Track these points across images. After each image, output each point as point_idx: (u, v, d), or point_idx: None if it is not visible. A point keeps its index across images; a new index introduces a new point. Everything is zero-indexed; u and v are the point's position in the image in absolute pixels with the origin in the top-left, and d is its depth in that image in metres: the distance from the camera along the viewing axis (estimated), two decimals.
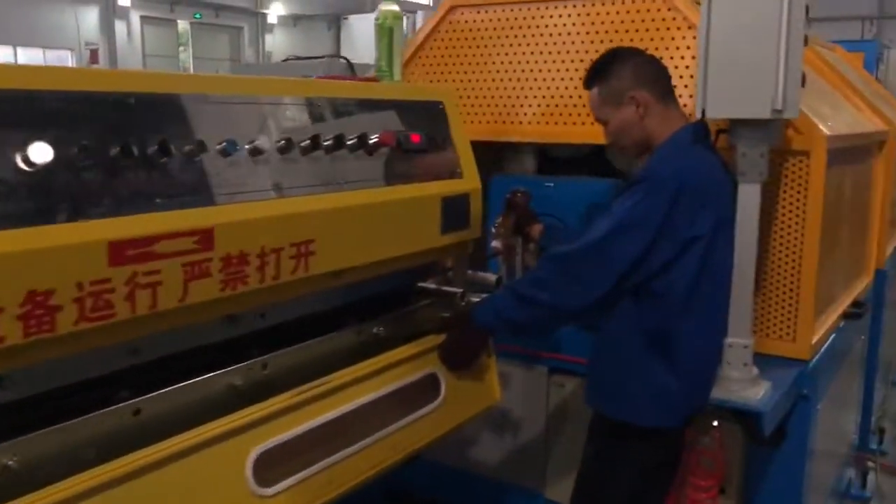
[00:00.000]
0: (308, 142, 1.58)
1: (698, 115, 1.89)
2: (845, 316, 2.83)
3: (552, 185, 2.80)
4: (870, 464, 3.81)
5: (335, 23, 25.16)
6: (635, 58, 2.06)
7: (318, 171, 1.61)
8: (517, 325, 2.01)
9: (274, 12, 26.38)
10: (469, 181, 2.04)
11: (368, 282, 1.88)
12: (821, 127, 2.29)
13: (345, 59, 3.31)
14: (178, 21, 23.71)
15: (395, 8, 1.94)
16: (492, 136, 2.84)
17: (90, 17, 22.64)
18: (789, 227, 2.37)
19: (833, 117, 2.67)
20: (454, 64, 2.90)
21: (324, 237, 1.58)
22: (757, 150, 1.98)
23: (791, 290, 2.39)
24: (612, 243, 1.91)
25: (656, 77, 2.04)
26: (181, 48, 23.75)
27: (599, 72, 2.08)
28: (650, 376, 2.00)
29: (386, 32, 1.95)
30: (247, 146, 1.46)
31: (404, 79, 3.00)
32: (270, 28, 26.51)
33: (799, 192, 2.34)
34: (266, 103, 1.57)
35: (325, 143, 1.62)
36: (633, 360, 2.02)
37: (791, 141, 2.32)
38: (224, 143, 1.42)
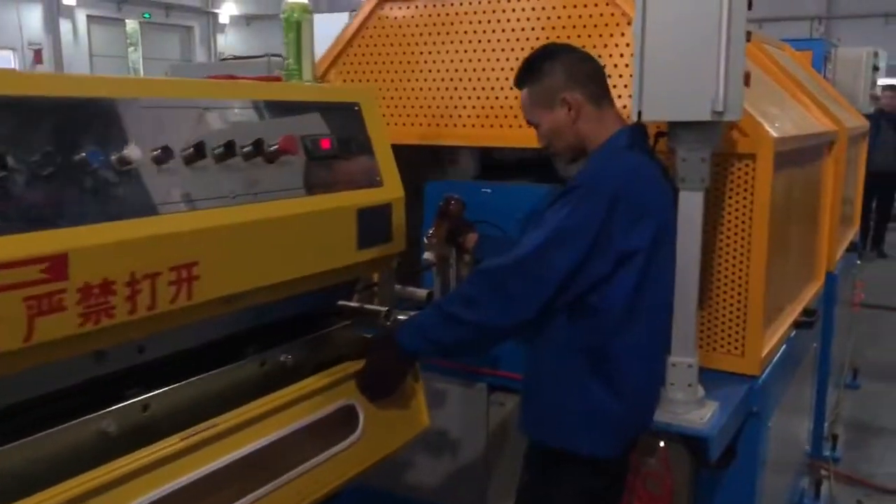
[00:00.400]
0: (192, 150, 1.38)
1: (634, 118, 1.74)
2: (796, 325, 2.72)
3: (490, 190, 2.64)
4: (823, 472, 3.72)
5: None
6: (568, 56, 1.90)
7: (205, 182, 1.41)
8: (445, 347, 1.84)
9: (226, 12, 25.94)
10: (390, 190, 1.86)
11: (277, 303, 1.69)
12: (767, 128, 2.16)
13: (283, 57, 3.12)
14: (127, 21, 23.14)
15: (304, 0, 1.75)
16: (427, 139, 2.67)
17: (33, 16, 22.06)
18: (735, 235, 2.24)
19: (781, 118, 2.55)
20: (385, 62, 2.72)
21: (210, 259, 1.38)
22: (697, 155, 1.83)
23: (738, 302, 2.25)
24: (544, 256, 1.75)
25: (590, 77, 1.88)
26: (130, 48, 23.15)
27: (529, 71, 1.92)
28: (587, 399, 1.85)
29: (293, 27, 1.76)
30: (114, 156, 1.27)
31: (333, 79, 2.82)
32: (222, 28, 26.05)
33: (745, 198, 2.21)
34: (145, 107, 1.37)
35: (215, 152, 1.43)
36: (568, 382, 1.86)
37: (736, 144, 2.19)
38: (86, 153, 1.22)
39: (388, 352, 1.82)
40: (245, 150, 1.49)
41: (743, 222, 2.22)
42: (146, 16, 23.04)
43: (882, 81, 8.84)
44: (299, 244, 1.61)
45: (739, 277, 2.24)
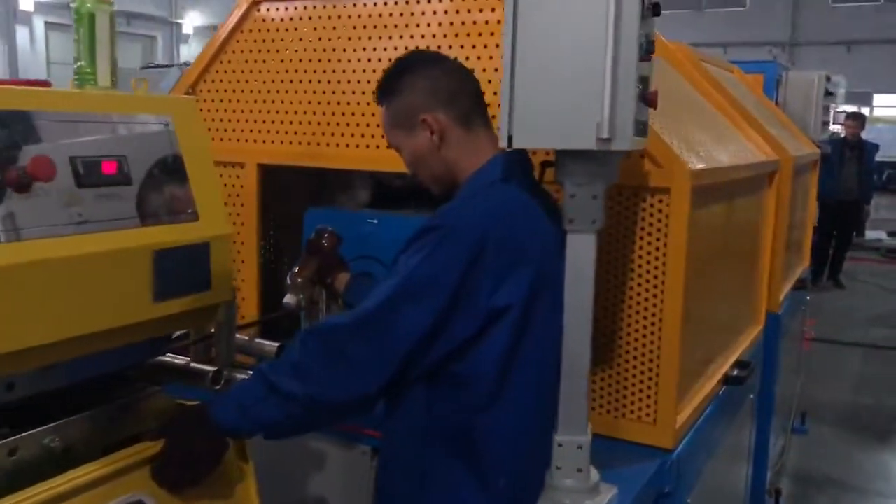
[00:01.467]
0: None
1: (503, 144, 1.41)
2: (726, 381, 2.39)
3: (376, 221, 2.30)
4: None
5: None
6: (431, 69, 1.57)
7: None
8: (270, 425, 1.47)
9: (190, 22, 25.52)
10: (210, 225, 1.50)
11: (58, 366, 1.33)
12: (683, 159, 1.83)
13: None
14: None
15: None
16: (309, 160, 2.31)
17: None
18: (647, 282, 1.90)
19: (710, 147, 2.24)
20: (263, 71, 2.36)
21: None
22: (588, 191, 1.50)
23: (650, 361, 1.92)
24: (390, 315, 1.40)
25: (458, 93, 1.55)
26: None
27: (385, 86, 1.59)
28: (450, 490, 1.50)
29: (84, 20, 1.40)
30: None
31: (204, 90, 2.45)
32: (186, 38, 25.60)
33: (658, 239, 1.88)
34: None
35: None
36: (428, 469, 1.51)
37: (647, 176, 1.86)
38: None
39: (196, 429, 1.45)
40: None
41: (656, 268, 1.89)
42: None
43: (843, 109, 8.70)
44: (63, 297, 1.24)
45: (651, 332, 1.91)
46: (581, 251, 1.53)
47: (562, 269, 1.53)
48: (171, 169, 1.46)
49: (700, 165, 1.91)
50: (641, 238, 1.90)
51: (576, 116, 1.34)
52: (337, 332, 1.43)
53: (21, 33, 22.14)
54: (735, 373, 2.47)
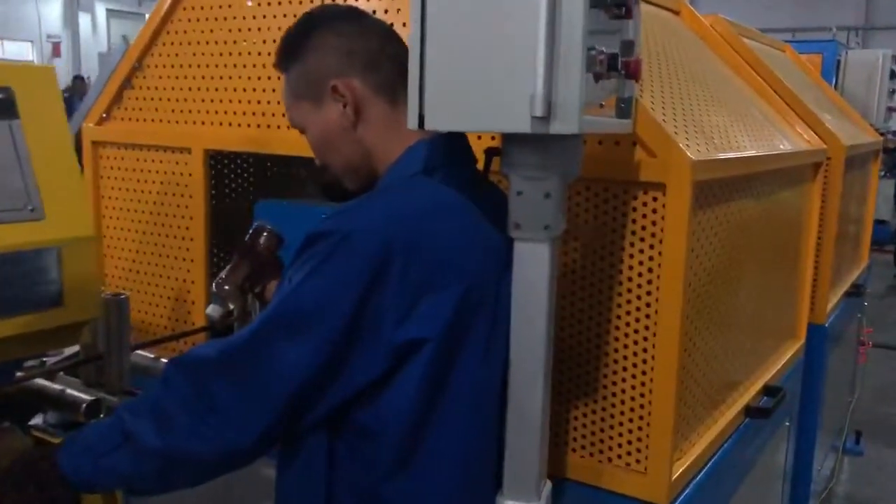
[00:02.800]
0: None
1: (412, 125, 1.06)
2: (748, 412, 2.01)
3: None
4: None
5: None
6: (345, 25, 1.24)
7: None
8: (128, 482, 1.16)
9: None
10: (61, 225, 1.20)
11: None
12: (682, 147, 1.46)
13: None
14: (146, 14, 22.83)
15: None
16: (258, 146, 2.01)
17: (53, 10, 22.02)
18: (637, 298, 1.54)
19: (731, 133, 1.85)
20: (210, 42, 2.06)
21: None
22: (538, 187, 1.15)
23: (641, 397, 1.56)
24: (264, 350, 1.08)
25: (379, 57, 1.22)
26: None
27: (290, 47, 1.26)
28: None
29: None
30: None
31: (151, 65, 2.17)
32: None
33: (653, 247, 1.51)
34: None
35: None
36: None
37: (638, 168, 1.49)
38: None
39: (35, 478, 1.16)
40: None
41: (649, 281, 1.52)
42: None
43: None
44: None
45: (643, 361, 1.55)
46: (531, 265, 1.19)
47: (507, 287, 1.19)
48: (10, 151, 1.16)
49: (706, 155, 1.54)
50: (633, 245, 1.53)
51: (504, 89, 0.99)
52: (203, 367, 1.12)
53: (83, 20, 22.51)
54: (760, 402, 2.09)
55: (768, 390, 2.15)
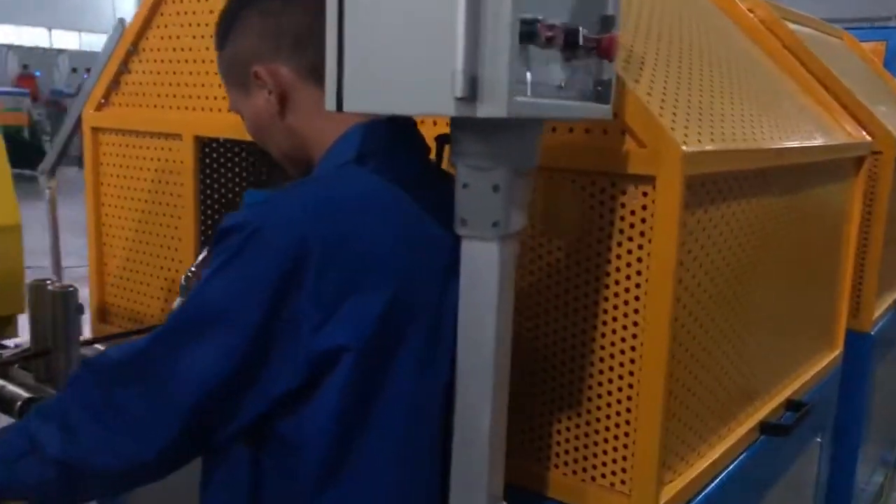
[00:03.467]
0: None
1: (330, 107, 0.95)
2: (763, 429, 1.84)
3: None
4: None
5: None
6: (271, 3, 1.13)
7: None
8: (36, 490, 1.09)
9: None
10: None
11: None
12: (675, 137, 1.31)
13: None
14: None
15: None
16: (242, 134, 1.92)
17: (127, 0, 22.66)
18: (624, 304, 1.40)
19: (748, 123, 1.68)
20: (201, 25, 1.99)
21: None
22: (486, 179, 1.02)
23: (627, 412, 1.42)
24: (169, 354, 0.99)
25: (306, 37, 1.11)
26: None
27: (220, 28, 1.17)
28: None
29: None
30: None
31: (145, 49, 2.11)
32: None
33: (641, 247, 1.37)
34: None
35: None
36: None
37: (626, 159, 1.35)
38: None
39: None
40: None
41: (638, 285, 1.38)
42: None
43: None
44: None
45: (630, 372, 1.41)
46: (478, 267, 1.07)
47: (451, 291, 1.08)
48: None
49: (704, 147, 1.38)
50: (620, 245, 1.39)
51: (426, 66, 0.87)
52: (110, 372, 1.03)
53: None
54: (781, 418, 1.92)
55: (792, 405, 1.98)
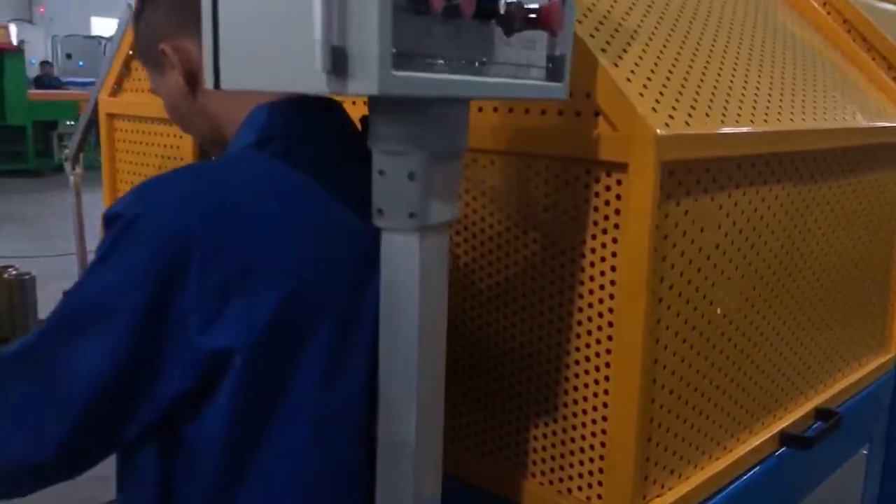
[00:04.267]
0: None
1: (209, 84, 0.87)
2: (785, 440, 1.67)
3: None
4: None
5: None
6: None
7: None
8: None
9: None
10: None
11: None
12: (648, 119, 1.18)
13: None
14: None
15: None
16: None
17: None
18: (599, 303, 1.28)
19: (764, 105, 1.52)
20: None
21: None
22: (402, 164, 0.93)
23: (603, 420, 1.30)
24: (58, 349, 0.94)
25: None
26: None
27: (136, 5, 1.11)
28: None
29: None
30: None
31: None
32: None
33: (615, 241, 1.25)
34: None
35: None
36: None
37: (598, 145, 1.23)
38: None
39: None
40: None
41: (613, 282, 1.26)
42: None
43: None
44: None
45: (605, 377, 1.28)
46: (398, 262, 0.98)
47: (368, 287, 0.99)
48: None
49: (687, 129, 1.24)
50: (594, 238, 1.27)
51: (297, 37, 0.78)
52: (4, 366, 0.99)
53: None
54: (806, 429, 1.75)
55: (821, 413, 1.80)
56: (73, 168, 2.38)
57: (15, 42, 12.87)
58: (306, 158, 1.00)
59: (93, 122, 2.31)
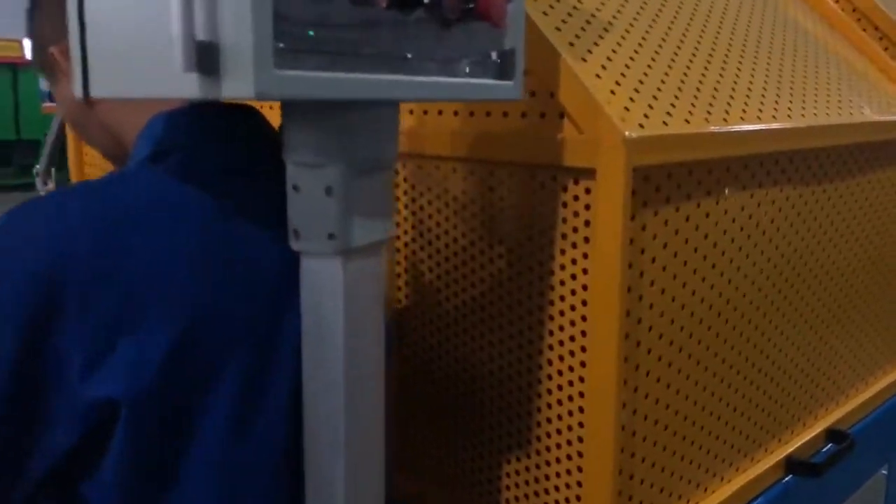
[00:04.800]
0: None
1: (77, 94, 0.76)
2: (789, 467, 1.53)
3: None
4: None
5: None
6: None
7: None
8: None
9: None
10: None
11: None
12: (615, 120, 1.05)
13: None
14: None
15: None
16: None
17: None
18: (572, 326, 1.15)
19: (758, 101, 1.39)
20: None
21: None
22: (318, 179, 0.81)
23: (579, 441, 1.17)
24: None
25: None
26: None
27: (27, 6, 1.00)
28: None
29: None
30: None
31: None
32: None
33: (586, 256, 1.12)
34: None
35: None
36: None
37: (563, 149, 1.10)
38: None
39: None
40: None
41: (584, 302, 1.13)
42: None
43: None
44: None
45: (579, 408, 1.15)
46: (318, 290, 0.85)
47: (284, 317, 0.87)
48: None
49: (657, 131, 1.11)
50: (563, 253, 1.14)
51: (160, 36, 0.66)
52: None
53: None
54: (816, 453, 1.60)
55: (833, 435, 1.65)
56: (45, 183, 2.29)
57: (28, 57, 12.94)
58: (210, 171, 0.88)
59: (59, 136, 2.22)
